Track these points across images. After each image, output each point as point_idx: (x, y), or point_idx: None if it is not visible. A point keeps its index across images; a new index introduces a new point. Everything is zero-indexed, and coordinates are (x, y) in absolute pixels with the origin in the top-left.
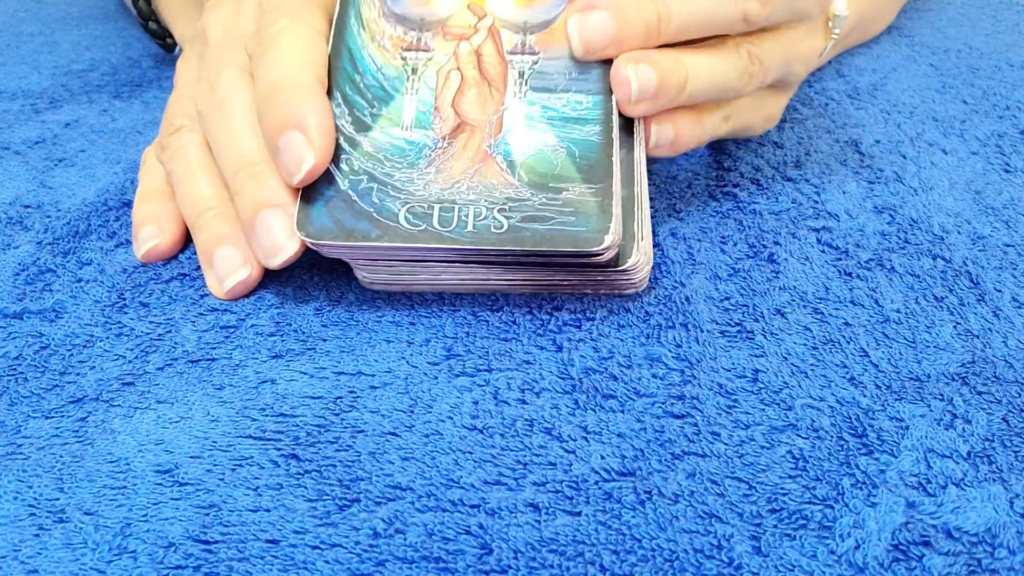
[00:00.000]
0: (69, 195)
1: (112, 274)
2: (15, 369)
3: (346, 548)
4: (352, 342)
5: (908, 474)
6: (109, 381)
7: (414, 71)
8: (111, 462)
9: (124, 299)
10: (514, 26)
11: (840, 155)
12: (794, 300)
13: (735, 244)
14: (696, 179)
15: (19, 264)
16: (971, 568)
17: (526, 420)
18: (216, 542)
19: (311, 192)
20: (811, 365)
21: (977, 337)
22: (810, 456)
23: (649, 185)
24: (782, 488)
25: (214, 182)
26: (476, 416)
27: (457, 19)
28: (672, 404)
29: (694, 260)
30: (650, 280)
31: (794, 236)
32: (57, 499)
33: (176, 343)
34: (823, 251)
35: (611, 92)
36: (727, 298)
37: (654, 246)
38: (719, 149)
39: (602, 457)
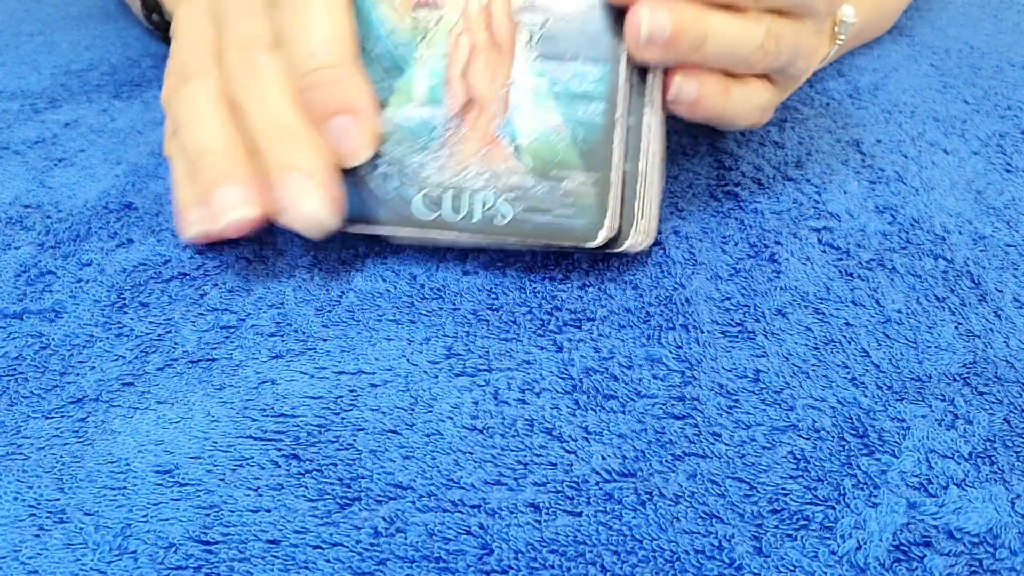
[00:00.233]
0: (69, 195)
1: (112, 274)
2: (15, 369)
3: (347, 547)
4: (352, 341)
5: (909, 474)
6: (109, 381)
7: (424, 35)
8: (111, 462)
9: (124, 299)
10: None
11: (841, 155)
12: (795, 300)
13: (736, 244)
14: (697, 179)
15: (19, 264)
16: (972, 569)
17: (526, 420)
18: (217, 542)
19: None
20: (812, 365)
21: (978, 337)
22: (811, 456)
23: None
24: (783, 489)
25: (224, 131)
26: (476, 416)
27: None
28: (673, 405)
29: (695, 260)
30: (651, 280)
31: (795, 236)
32: (57, 499)
33: (176, 343)
34: (824, 251)
35: (619, 61)
36: (728, 298)
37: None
38: (720, 149)
39: (603, 458)
